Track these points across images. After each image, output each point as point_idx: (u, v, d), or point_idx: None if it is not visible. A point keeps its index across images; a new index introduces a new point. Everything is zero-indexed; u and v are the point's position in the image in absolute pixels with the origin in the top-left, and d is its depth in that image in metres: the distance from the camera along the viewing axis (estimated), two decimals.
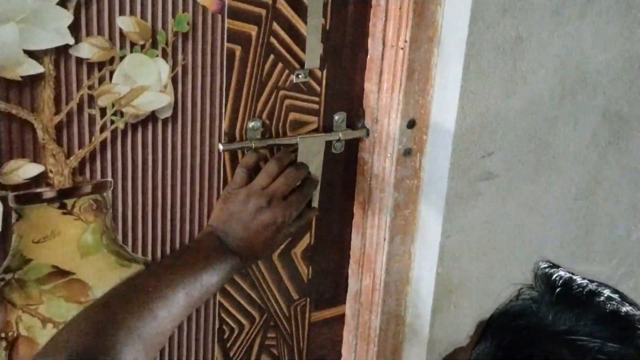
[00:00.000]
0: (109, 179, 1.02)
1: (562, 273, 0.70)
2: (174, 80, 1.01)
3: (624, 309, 0.67)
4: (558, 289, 0.68)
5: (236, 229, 1.03)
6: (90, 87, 0.97)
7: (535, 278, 0.71)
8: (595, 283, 0.70)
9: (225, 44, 1.03)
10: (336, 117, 1.14)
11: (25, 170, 0.96)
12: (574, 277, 0.70)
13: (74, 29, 0.93)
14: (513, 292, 0.71)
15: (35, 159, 0.97)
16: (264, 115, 1.09)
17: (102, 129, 0.99)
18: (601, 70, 1.22)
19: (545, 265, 0.72)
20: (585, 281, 0.69)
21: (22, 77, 0.92)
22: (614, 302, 0.67)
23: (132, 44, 0.97)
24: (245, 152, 1.08)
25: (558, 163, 1.24)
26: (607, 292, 0.69)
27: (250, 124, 1.08)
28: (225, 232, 1.03)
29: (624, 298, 0.69)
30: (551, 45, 1.14)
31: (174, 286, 0.93)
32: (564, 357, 0.64)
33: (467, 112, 1.10)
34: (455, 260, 1.20)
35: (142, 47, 0.98)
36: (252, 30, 1.04)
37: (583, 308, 0.67)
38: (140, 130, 1.01)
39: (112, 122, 0.99)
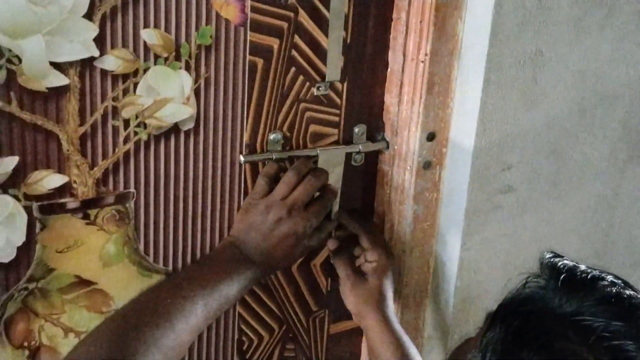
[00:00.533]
0: (132, 189, 1.02)
1: (566, 261, 0.73)
2: (196, 92, 1.02)
3: (627, 292, 0.70)
4: (563, 275, 0.71)
5: (256, 240, 1.04)
6: (114, 99, 0.98)
7: (541, 267, 0.74)
8: (598, 270, 0.72)
9: (248, 56, 1.03)
10: (356, 130, 1.15)
11: (49, 180, 0.97)
12: (578, 265, 0.73)
13: (99, 41, 0.94)
14: (520, 282, 0.74)
15: (60, 170, 0.98)
16: (285, 127, 1.10)
17: (126, 140, 1.00)
18: (621, 84, 1.22)
19: (551, 255, 0.74)
20: (589, 268, 0.72)
21: (47, 88, 0.93)
22: (617, 286, 0.70)
23: (156, 57, 0.98)
24: (266, 163, 1.09)
25: (577, 177, 1.24)
26: (610, 277, 0.71)
27: (271, 136, 1.09)
28: (245, 242, 1.04)
29: (626, 284, 0.72)
30: (571, 59, 1.14)
31: (192, 297, 0.93)
32: (570, 337, 0.66)
33: (487, 126, 1.10)
34: (474, 273, 1.20)
35: (166, 59, 0.99)
36: (274, 43, 1.05)
37: (587, 291, 0.69)
38: (163, 141, 1.02)
39: (136, 133, 1.00)
